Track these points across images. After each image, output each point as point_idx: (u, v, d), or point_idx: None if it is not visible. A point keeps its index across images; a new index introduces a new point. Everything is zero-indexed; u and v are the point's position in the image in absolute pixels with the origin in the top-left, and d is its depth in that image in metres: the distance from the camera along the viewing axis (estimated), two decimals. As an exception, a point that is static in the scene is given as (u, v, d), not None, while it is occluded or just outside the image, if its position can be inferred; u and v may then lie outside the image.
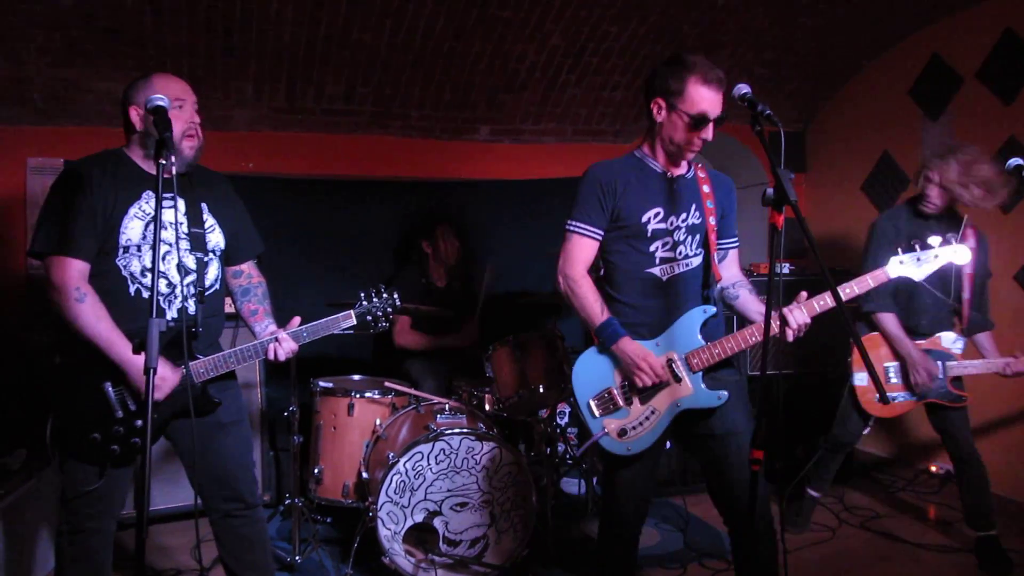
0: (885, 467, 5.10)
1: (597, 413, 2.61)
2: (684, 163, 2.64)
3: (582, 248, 2.62)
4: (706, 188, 2.64)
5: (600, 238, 2.62)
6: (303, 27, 4.13)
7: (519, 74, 4.83)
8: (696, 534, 3.97)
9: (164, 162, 2.05)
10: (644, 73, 4.97)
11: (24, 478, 3.39)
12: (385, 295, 2.79)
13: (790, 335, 2.44)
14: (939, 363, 3.62)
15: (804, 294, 2.48)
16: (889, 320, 3.65)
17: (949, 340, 3.68)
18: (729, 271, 2.75)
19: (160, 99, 2.18)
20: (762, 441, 2.09)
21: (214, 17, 3.96)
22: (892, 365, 3.74)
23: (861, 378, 3.78)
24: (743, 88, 2.29)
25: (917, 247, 2.56)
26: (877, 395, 3.65)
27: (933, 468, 4.77)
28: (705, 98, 2.42)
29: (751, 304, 2.67)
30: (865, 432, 3.98)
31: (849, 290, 2.51)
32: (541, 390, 3.73)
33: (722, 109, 2.46)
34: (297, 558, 3.59)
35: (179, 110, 2.46)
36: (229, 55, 4.24)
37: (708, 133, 2.46)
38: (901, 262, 2.56)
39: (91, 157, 2.52)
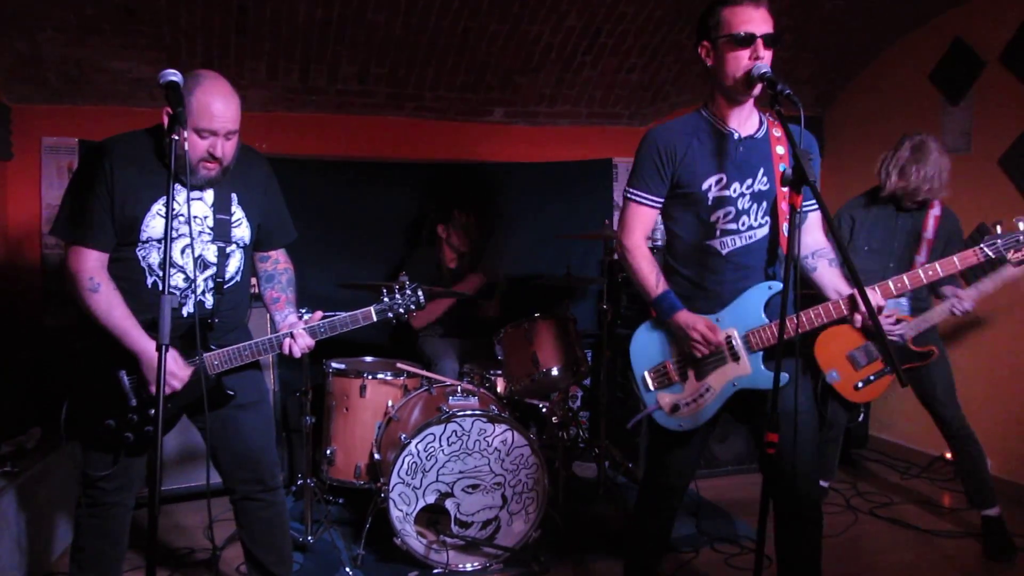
0: (899, 454, 5.08)
1: (652, 386, 2.52)
2: (755, 119, 2.47)
3: (639, 217, 2.51)
4: (780, 149, 2.43)
5: (659, 206, 2.50)
6: (317, 7, 4.11)
7: (534, 55, 4.79)
8: (708, 519, 3.95)
9: (176, 138, 2.02)
10: (660, 55, 4.94)
11: (39, 457, 3.41)
12: (408, 291, 2.67)
13: (858, 320, 2.32)
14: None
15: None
16: None
17: (891, 305, 3.63)
18: (809, 237, 2.53)
19: (173, 74, 2.09)
20: (776, 425, 2.06)
21: (228, -4, 3.96)
22: (855, 351, 3.79)
23: (833, 375, 3.82)
24: (763, 67, 2.23)
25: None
26: (859, 382, 3.78)
27: (948, 455, 4.72)
28: (742, 16, 2.27)
29: (828, 279, 2.47)
30: (859, 419, 4.03)
31: (932, 271, 2.39)
32: (554, 373, 3.73)
33: (770, 28, 2.28)
34: (309, 538, 3.60)
35: (224, 138, 2.36)
36: (243, 35, 4.23)
37: (760, 51, 2.26)
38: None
39: (119, 139, 2.41)
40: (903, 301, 3.69)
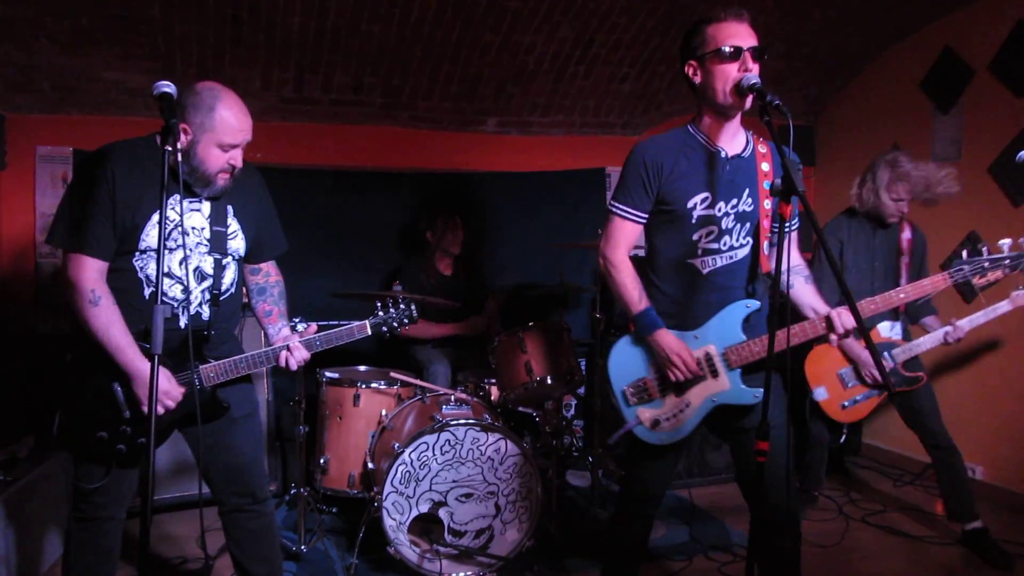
0: (892, 461, 5.09)
1: (631, 402, 2.53)
2: (742, 137, 2.49)
3: (623, 231, 2.51)
4: (765, 166, 2.47)
5: (643, 221, 2.51)
6: (311, 17, 4.13)
7: (527, 65, 4.81)
8: (701, 527, 3.96)
9: (170, 149, 2.02)
10: (652, 65, 4.96)
11: (31, 466, 3.40)
12: (403, 306, 2.73)
13: (834, 340, 2.38)
14: (886, 354, 3.68)
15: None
16: None
17: (887, 329, 3.75)
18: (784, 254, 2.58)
19: (167, 86, 2.09)
20: (765, 433, 2.07)
21: (222, 6, 3.96)
22: (845, 370, 3.82)
23: (820, 393, 3.84)
24: (752, 78, 2.26)
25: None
26: (846, 401, 3.80)
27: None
28: (727, 32, 2.31)
29: (805, 296, 2.51)
30: (842, 441, 4.07)
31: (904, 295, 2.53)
32: (548, 382, 3.73)
33: (756, 41, 2.31)
34: (303, 548, 3.60)
35: (236, 150, 2.41)
36: (237, 45, 4.24)
37: (748, 64, 2.28)
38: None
39: (123, 145, 2.40)
40: (897, 326, 3.75)
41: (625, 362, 2.56)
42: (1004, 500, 4.30)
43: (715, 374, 2.48)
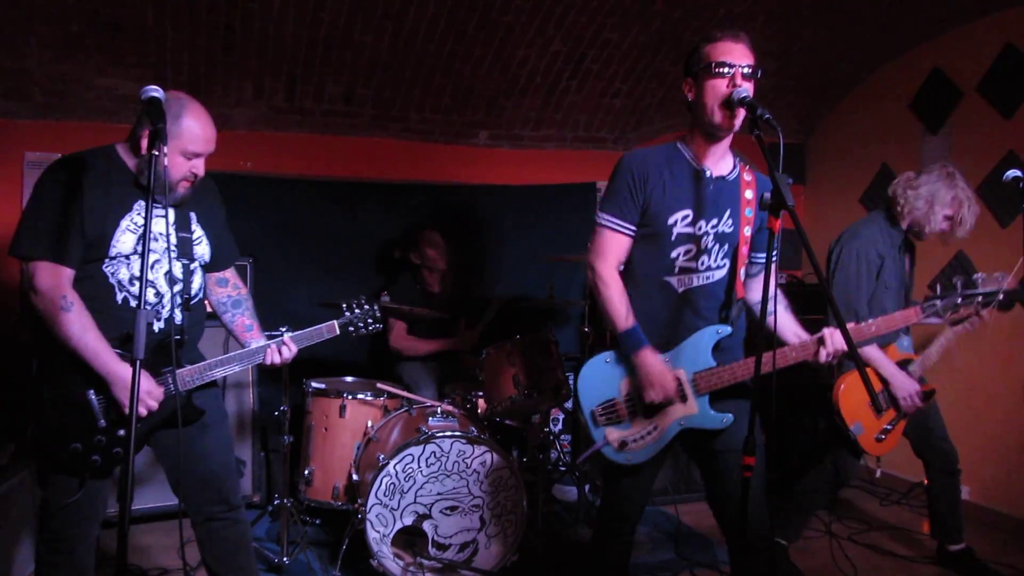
0: (878, 481, 5.08)
1: (600, 422, 2.52)
2: (729, 161, 2.50)
3: (612, 244, 2.49)
4: (748, 194, 2.48)
5: (632, 234, 2.48)
6: (304, 27, 4.13)
7: (519, 79, 4.82)
8: (688, 543, 3.95)
9: (156, 153, 2.02)
10: (644, 81, 4.99)
11: (11, 474, 3.35)
12: (367, 306, 2.80)
13: (823, 356, 2.38)
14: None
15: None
16: (871, 345, 3.40)
17: (904, 345, 3.53)
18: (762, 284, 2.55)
19: (155, 90, 2.10)
20: (752, 447, 2.06)
21: (215, 14, 3.96)
22: (878, 395, 3.44)
23: (858, 428, 3.48)
24: (743, 91, 2.26)
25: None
26: (880, 433, 3.48)
27: (926, 482, 4.73)
28: (721, 49, 2.32)
29: (786, 323, 2.52)
30: (877, 476, 3.91)
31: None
32: (535, 395, 3.72)
33: (750, 61, 2.32)
34: (285, 559, 3.57)
35: (199, 159, 2.45)
36: (229, 54, 4.23)
37: (738, 80, 2.29)
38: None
39: (82, 156, 2.42)
40: (905, 341, 3.54)
41: (596, 383, 2.55)
42: (991, 520, 4.30)
43: (684, 399, 2.48)
